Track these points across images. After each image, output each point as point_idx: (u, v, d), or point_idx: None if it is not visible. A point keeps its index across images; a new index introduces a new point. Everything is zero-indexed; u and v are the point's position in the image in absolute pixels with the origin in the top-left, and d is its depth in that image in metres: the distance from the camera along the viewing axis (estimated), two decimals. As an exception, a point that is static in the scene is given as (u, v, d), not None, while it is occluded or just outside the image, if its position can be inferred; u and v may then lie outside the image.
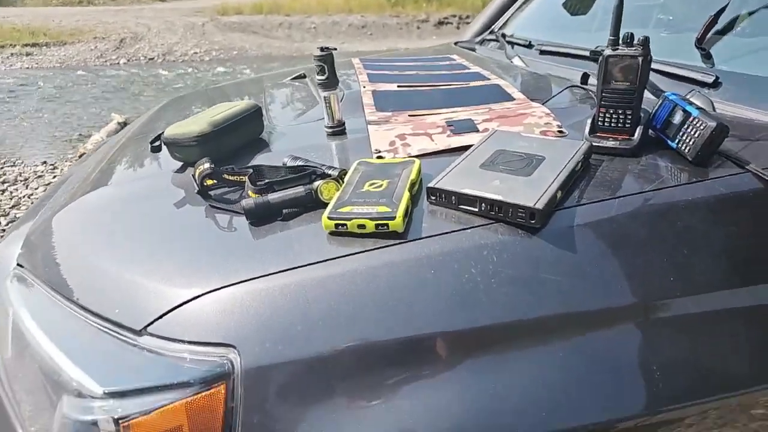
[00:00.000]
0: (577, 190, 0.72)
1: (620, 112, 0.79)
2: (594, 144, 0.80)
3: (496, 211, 0.67)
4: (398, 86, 1.22)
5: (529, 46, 1.65)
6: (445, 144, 0.89)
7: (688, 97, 0.99)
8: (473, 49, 1.98)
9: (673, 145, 0.77)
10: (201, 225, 0.78)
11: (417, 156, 0.88)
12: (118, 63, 10.96)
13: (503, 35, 1.82)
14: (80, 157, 4.96)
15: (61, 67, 10.62)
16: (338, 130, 1.01)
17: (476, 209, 0.69)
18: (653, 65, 1.14)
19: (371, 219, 0.68)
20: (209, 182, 0.85)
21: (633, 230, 0.68)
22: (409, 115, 1.04)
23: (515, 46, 1.71)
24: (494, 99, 1.09)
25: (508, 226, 0.67)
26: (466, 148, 0.87)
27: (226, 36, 12.12)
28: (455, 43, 2.10)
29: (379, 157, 0.89)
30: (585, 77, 1.10)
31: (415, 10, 12.49)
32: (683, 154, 0.75)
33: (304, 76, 1.56)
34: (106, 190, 0.97)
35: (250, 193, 0.79)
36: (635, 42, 0.76)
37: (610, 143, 0.80)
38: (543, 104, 1.02)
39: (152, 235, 0.80)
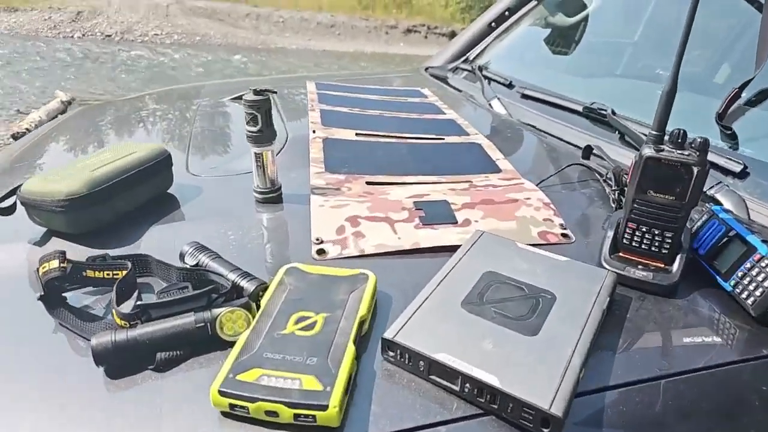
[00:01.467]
0: (600, 357, 0.47)
1: (656, 232, 0.55)
2: (617, 271, 0.56)
3: (488, 400, 0.42)
4: (357, 134, 0.95)
5: (510, 86, 1.42)
6: (411, 240, 0.63)
7: (714, 192, 0.77)
8: (445, 78, 1.73)
9: (727, 286, 0.54)
10: (35, 366, 0.48)
11: (374, 254, 0.61)
12: (73, 36, 10.17)
13: (480, 68, 1.58)
14: (11, 137, 4.42)
15: (9, 35, 9.73)
16: (271, 196, 0.73)
17: (456, 388, 0.43)
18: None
19: (289, 405, 0.40)
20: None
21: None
22: (366, 183, 0.77)
23: (492, 83, 1.48)
24: (475, 167, 0.83)
25: (505, 425, 0.42)
26: (440, 249, 0.62)
27: (191, 20, 11.47)
28: (426, 69, 1.85)
29: (320, 251, 0.62)
30: (588, 151, 0.86)
31: (385, 15, 12.20)
32: (742, 304, 0.52)
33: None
34: None
35: (114, 316, 0.50)
36: (688, 143, 0.52)
37: (640, 273, 0.55)
38: (538, 185, 0.77)
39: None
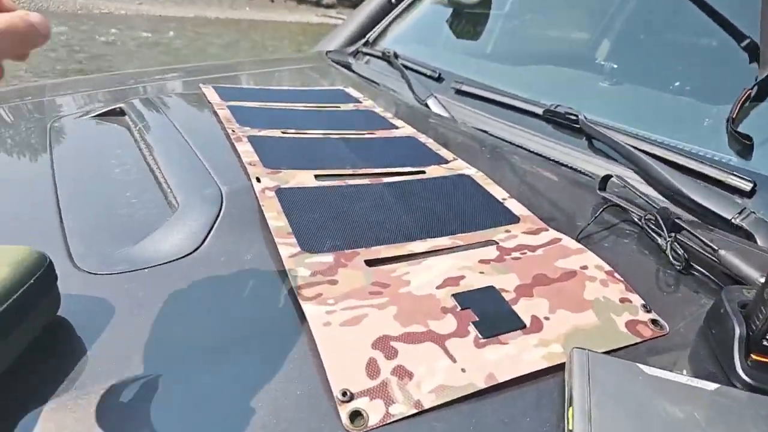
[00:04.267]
0: None
1: (811, 330, 0.42)
2: (760, 385, 0.42)
3: None
4: (316, 176, 0.68)
5: (439, 79, 1.23)
6: (481, 372, 0.41)
7: (741, 222, 0.67)
8: (349, 65, 1.49)
9: None
10: None
11: (438, 405, 0.39)
12: None
13: (395, 55, 1.37)
14: None
15: None
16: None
17: None
18: (655, 150, 0.83)
19: None
20: None
21: None
22: (366, 263, 0.53)
23: (412, 73, 1.27)
24: (488, 216, 0.63)
25: None
26: (522, 380, 0.42)
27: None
28: (327, 53, 1.57)
29: (355, 415, 0.38)
30: (605, 181, 0.71)
31: (226, -23, 11.07)
32: None
33: (122, 113, 0.89)
34: None
35: None
36: None
37: (791, 385, 0.42)
38: (578, 240, 0.60)
39: None
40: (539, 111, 0.98)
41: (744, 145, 0.74)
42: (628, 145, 0.81)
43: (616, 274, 0.54)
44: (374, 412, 0.38)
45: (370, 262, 0.53)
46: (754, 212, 0.66)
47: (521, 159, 0.87)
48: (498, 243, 0.58)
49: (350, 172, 0.70)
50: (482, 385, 0.41)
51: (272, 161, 0.69)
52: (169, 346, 0.42)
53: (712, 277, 0.56)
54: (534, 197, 0.71)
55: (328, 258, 0.52)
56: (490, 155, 0.87)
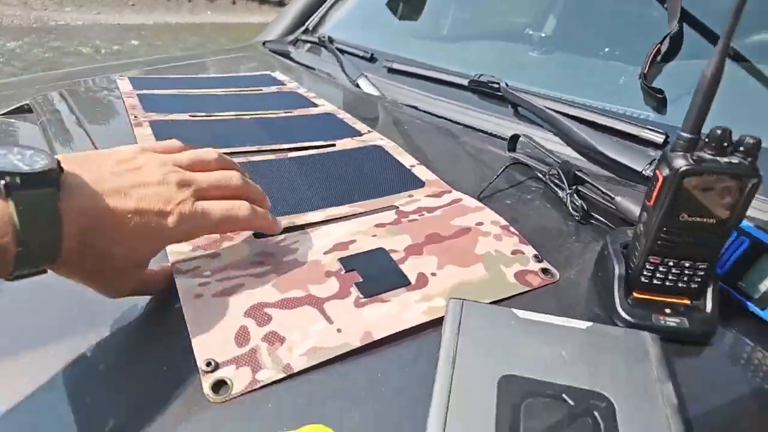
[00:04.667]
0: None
1: (687, 265, 0.41)
2: (642, 322, 0.41)
3: None
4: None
5: (372, 59, 1.22)
6: (358, 331, 0.40)
7: (652, 172, 0.67)
8: (288, 53, 1.46)
9: (765, 315, 0.42)
10: None
11: (310, 368, 0.38)
12: None
13: (330, 39, 1.35)
14: None
15: None
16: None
17: None
18: (574, 112, 0.83)
19: None
20: None
21: None
22: (254, 234, 0.51)
23: (349, 56, 1.26)
24: (393, 183, 0.62)
25: None
26: (402, 336, 0.41)
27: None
28: (263, 44, 1.54)
29: (219, 384, 0.36)
30: (514, 141, 0.70)
31: (185, -18, 10.87)
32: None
33: (30, 110, 0.85)
34: None
35: None
36: (733, 145, 0.37)
37: (671, 319, 0.41)
38: (480, 199, 0.59)
39: None
40: (465, 82, 0.97)
41: (657, 99, 0.74)
42: (548, 108, 0.80)
43: (511, 228, 0.53)
44: (239, 379, 0.36)
45: (259, 235, 0.51)
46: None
47: (440, 129, 0.86)
48: (398, 207, 0.57)
49: (255, 149, 0.68)
50: (357, 344, 0.39)
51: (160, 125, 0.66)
52: (32, 330, 0.40)
53: (611, 225, 0.55)
54: (445, 163, 0.69)
55: (213, 234, 0.50)
56: (409, 126, 0.85)
